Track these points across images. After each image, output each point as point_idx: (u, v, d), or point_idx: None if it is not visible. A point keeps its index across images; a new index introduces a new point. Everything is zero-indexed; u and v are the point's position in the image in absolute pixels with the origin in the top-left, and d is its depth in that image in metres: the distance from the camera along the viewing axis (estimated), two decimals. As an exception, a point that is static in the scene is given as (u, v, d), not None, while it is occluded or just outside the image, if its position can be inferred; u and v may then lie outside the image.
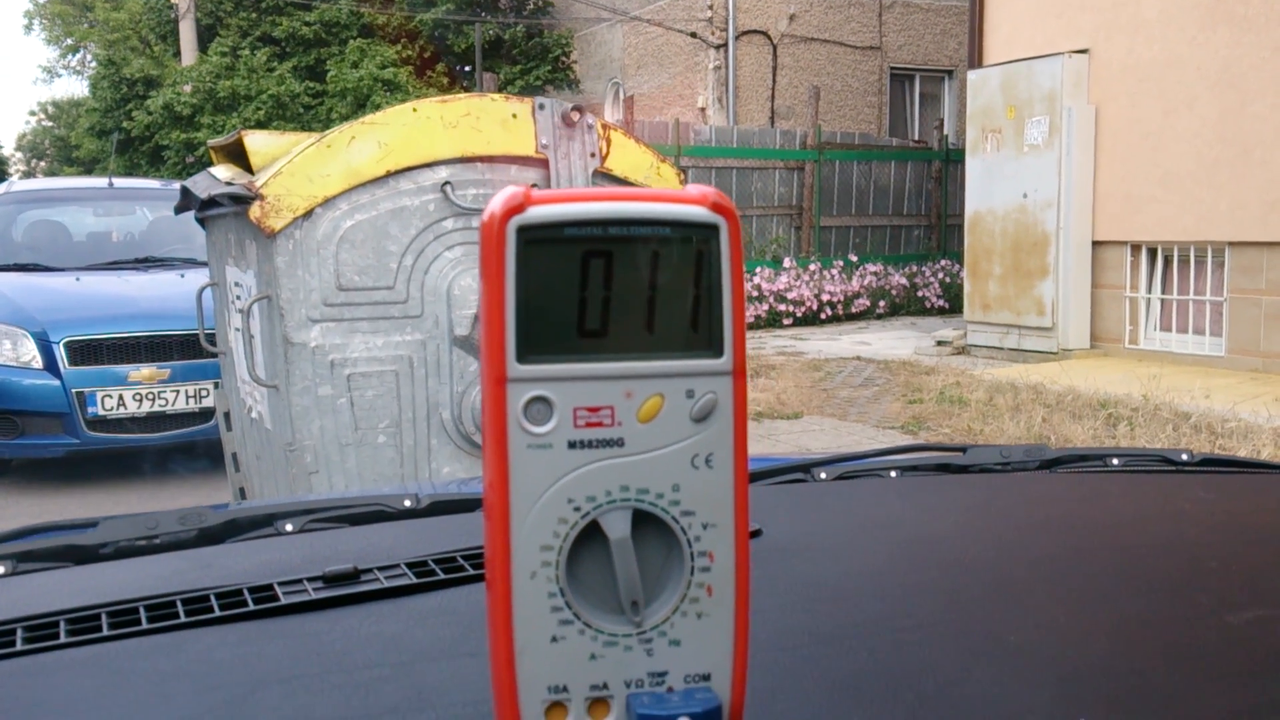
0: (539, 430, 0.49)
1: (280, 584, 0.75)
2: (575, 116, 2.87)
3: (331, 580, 0.75)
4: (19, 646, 0.66)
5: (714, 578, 0.51)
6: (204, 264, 5.06)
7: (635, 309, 0.49)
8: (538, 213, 0.48)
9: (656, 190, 0.51)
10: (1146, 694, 0.63)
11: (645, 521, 0.51)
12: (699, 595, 0.51)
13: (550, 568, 0.49)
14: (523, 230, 0.48)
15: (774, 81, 14.92)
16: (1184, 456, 1.12)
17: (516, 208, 0.48)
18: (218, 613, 0.70)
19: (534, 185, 2.89)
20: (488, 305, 0.48)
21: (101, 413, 5.44)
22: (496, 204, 0.48)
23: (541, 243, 0.48)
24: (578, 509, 0.50)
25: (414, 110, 2.78)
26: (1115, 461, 1.12)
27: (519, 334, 0.48)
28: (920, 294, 12.43)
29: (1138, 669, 0.67)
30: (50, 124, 37.58)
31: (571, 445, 0.49)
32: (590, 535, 0.50)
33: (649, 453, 0.50)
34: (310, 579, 0.76)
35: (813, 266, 11.96)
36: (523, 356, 0.48)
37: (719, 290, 0.50)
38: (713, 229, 0.50)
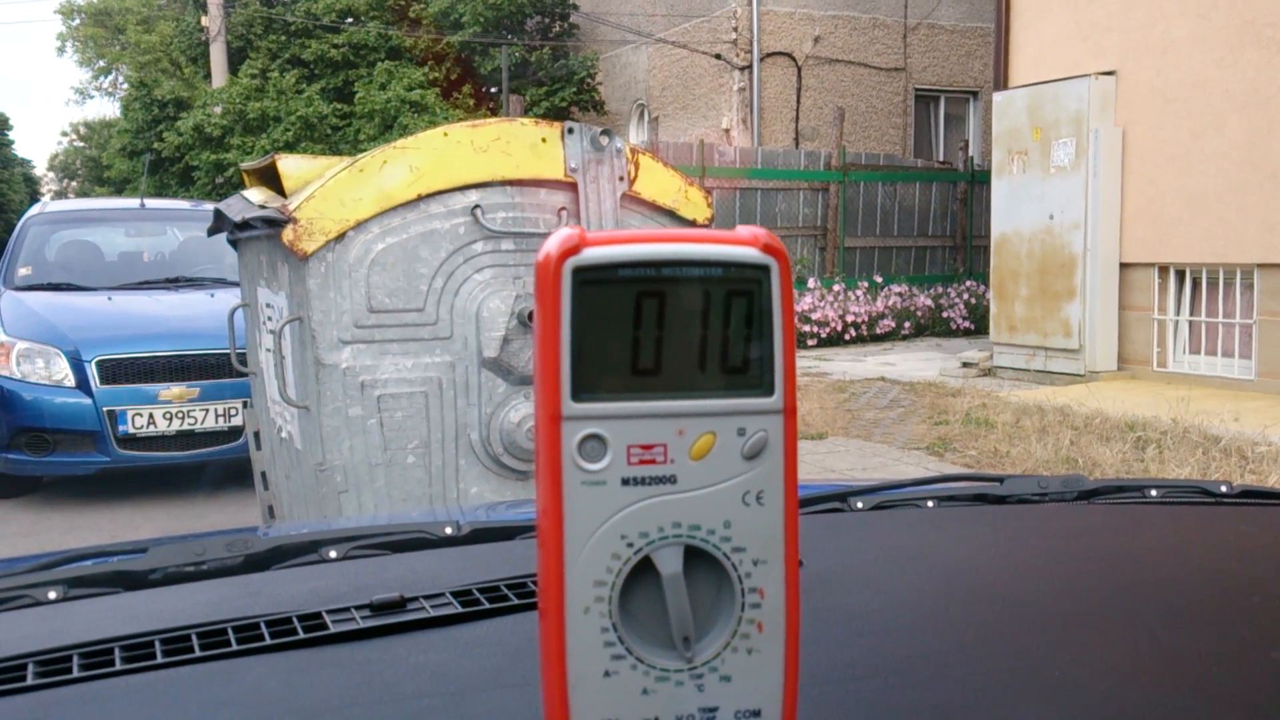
0: (593, 467, 0.50)
1: (328, 612, 0.76)
2: (604, 141, 2.89)
3: (379, 609, 0.76)
4: (76, 674, 0.67)
5: (764, 614, 0.51)
6: (234, 284, 5.10)
7: (687, 348, 0.50)
8: (593, 254, 0.49)
9: (708, 231, 0.52)
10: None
11: (696, 558, 0.51)
12: (750, 631, 0.51)
13: (603, 603, 0.50)
14: (578, 271, 0.49)
15: (798, 103, 14.94)
16: (1223, 488, 1.11)
17: (572, 249, 0.49)
18: (268, 641, 0.71)
19: (563, 209, 2.91)
20: (542, 344, 0.49)
21: (132, 431, 5.50)
22: (552, 245, 0.49)
23: (596, 283, 0.49)
24: (630, 545, 0.50)
25: (445, 134, 2.81)
26: (1154, 493, 1.11)
27: (574, 373, 0.49)
28: (945, 315, 12.37)
29: (1183, 706, 0.67)
30: (82, 145, 38.14)
31: (625, 482, 0.50)
32: (642, 571, 0.51)
33: (701, 490, 0.51)
34: (357, 607, 0.77)
35: (837, 287, 11.94)
36: (577, 395, 0.49)
37: (770, 330, 0.50)
38: (764, 269, 0.50)
